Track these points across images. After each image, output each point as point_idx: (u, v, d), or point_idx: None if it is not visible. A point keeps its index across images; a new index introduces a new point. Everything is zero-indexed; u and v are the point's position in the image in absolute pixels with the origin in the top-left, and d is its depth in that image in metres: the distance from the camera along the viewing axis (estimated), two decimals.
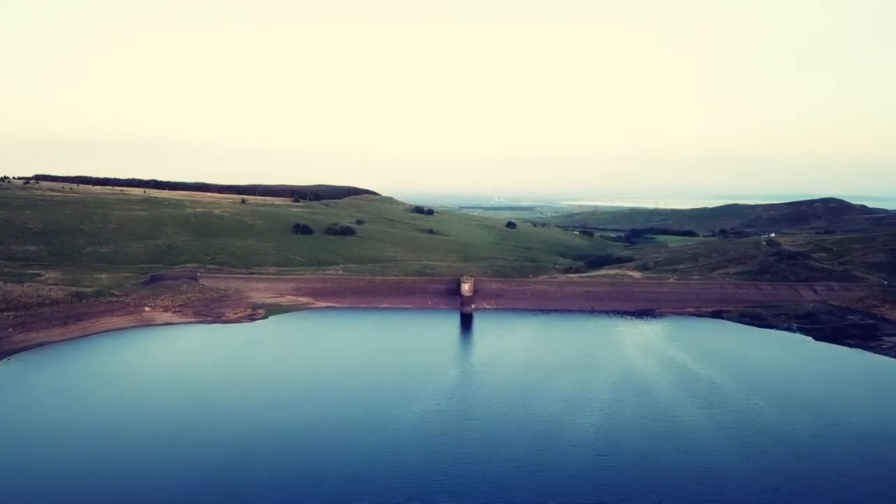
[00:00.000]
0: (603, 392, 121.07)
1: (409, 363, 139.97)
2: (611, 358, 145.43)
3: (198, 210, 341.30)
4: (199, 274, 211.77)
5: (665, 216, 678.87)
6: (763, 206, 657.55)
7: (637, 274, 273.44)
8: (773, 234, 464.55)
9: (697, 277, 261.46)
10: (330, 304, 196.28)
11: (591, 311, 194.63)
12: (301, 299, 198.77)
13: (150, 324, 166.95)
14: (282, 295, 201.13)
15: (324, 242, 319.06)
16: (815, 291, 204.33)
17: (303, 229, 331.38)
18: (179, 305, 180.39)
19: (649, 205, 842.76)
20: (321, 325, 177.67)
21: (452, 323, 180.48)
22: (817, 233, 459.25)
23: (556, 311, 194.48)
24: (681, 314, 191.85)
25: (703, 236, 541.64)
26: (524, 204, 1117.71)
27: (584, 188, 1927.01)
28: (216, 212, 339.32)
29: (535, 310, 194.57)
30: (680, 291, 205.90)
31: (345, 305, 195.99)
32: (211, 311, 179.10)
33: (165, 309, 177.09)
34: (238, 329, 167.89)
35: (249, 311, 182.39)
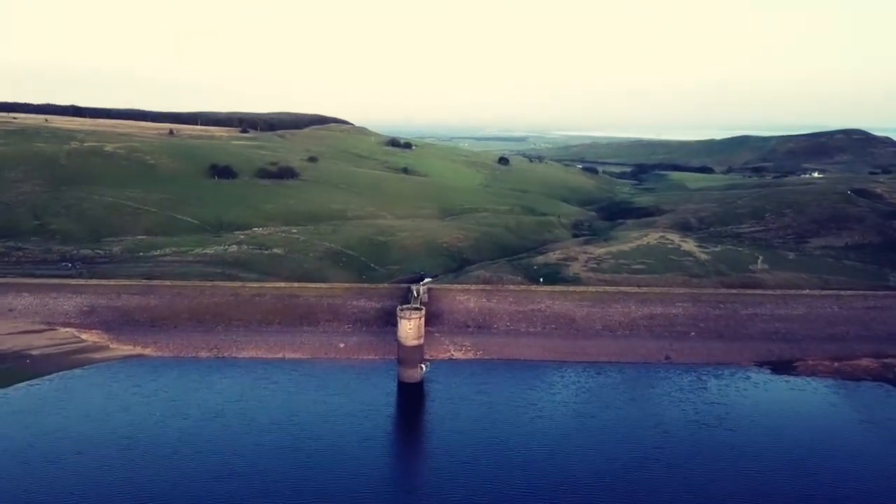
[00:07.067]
0: None
1: None
2: None
3: (85, 145, 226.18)
4: None
5: (670, 149, 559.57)
6: (778, 137, 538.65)
7: (689, 244, 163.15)
8: (816, 174, 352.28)
9: (792, 256, 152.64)
10: (139, 351, 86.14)
11: (666, 362, 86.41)
12: (85, 336, 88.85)
13: None
14: (52, 326, 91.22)
15: (246, 190, 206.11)
16: None
17: (222, 172, 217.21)
18: None
19: (651, 136, 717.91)
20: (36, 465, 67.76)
21: (373, 422, 71.78)
22: (871, 172, 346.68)
23: (593, 362, 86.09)
24: (849, 373, 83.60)
25: (721, 173, 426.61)
26: (516, 135, 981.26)
27: (578, 118, 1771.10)
28: (108, 148, 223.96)
29: (551, 361, 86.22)
30: (828, 314, 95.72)
31: (168, 354, 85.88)
32: None
33: None
34: None
35: None
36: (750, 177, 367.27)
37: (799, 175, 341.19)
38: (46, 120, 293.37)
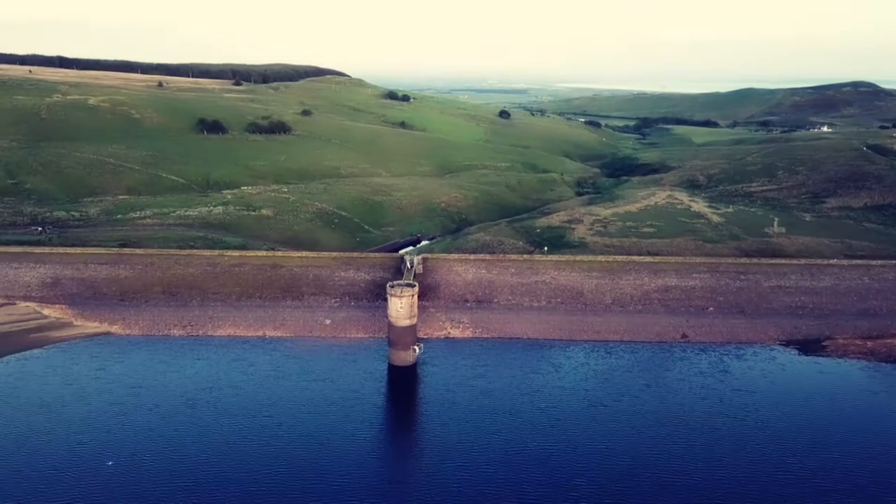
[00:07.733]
0: None
1: None
2: None
3: (68, 98, 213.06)
4: None
5: (674, 102, 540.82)
6: (784, 90, 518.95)
7: (699, 205, 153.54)
8: (826, 128, 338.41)
9: (809, 218, 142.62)
10: (106, 329, 77.37)
11: (683, 341, 77.89)
12: (47, 312, 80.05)
13: None
14: (11, 300, 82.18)
15: (235, 146, 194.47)
16: None
17: (211, 127, 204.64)
18: None
19: (654, 89, 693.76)
20: None
21: (360, 412, 63.55)
22: (881, 126, 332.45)
23: (603, 341, 77.56)
24: (884, 353, 75.00)
25: (726, 126, 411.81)
26: (517, 87, 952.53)
27: (580, 71, 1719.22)
28: (91, 101, 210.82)
29: (557, 339, 77.64)
30: (858, 287, 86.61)
31: (137, 332, 77.18)
32: None
33: None
34: None
35: None
36: (757, 131, 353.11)
37: (808, 129, 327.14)
38: (30, 71, 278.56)
